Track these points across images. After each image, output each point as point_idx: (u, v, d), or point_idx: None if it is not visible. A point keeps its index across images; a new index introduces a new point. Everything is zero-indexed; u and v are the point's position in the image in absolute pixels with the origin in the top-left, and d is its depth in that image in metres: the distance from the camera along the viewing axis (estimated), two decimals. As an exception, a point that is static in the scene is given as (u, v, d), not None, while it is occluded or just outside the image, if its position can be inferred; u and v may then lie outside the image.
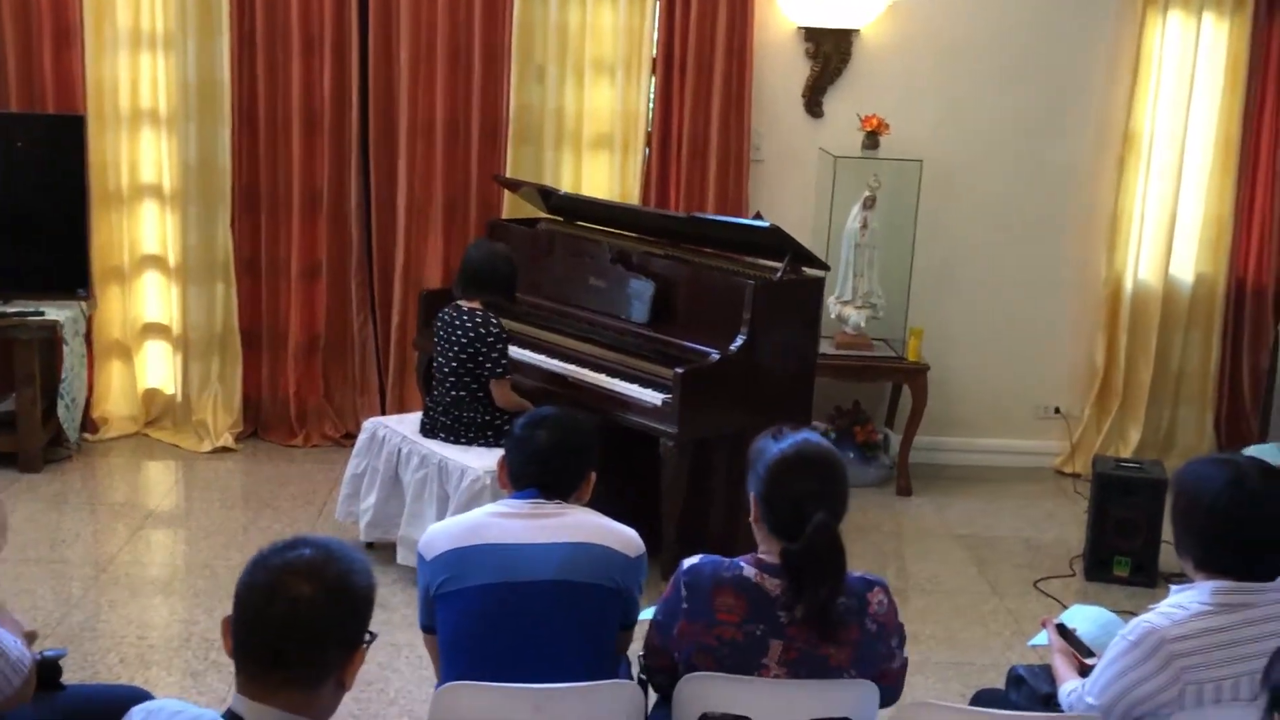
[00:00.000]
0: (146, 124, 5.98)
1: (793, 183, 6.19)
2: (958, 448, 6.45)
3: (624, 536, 2.89)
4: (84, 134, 5.76)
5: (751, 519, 2.65)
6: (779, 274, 4.79)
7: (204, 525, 5.34)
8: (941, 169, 6.05)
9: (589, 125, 6.07)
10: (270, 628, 1.96)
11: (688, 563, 2.65)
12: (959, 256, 6.29)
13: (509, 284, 4.80)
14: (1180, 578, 2.93)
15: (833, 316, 5.97)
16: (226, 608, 2.04)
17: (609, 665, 2.87)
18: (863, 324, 5.97)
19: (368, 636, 2.05)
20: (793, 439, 2.61)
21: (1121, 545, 5.13)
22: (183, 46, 5.85)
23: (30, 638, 2.80)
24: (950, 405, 6.33)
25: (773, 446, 2.61)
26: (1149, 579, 5.08)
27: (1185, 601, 2.57)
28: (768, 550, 2.62)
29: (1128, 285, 6.30)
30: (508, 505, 2.92)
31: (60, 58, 5.82)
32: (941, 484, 6.21)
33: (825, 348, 5.88)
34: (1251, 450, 3.23)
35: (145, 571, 4.92)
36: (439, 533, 2.89)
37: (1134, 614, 2.73)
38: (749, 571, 2.59)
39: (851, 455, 6.08)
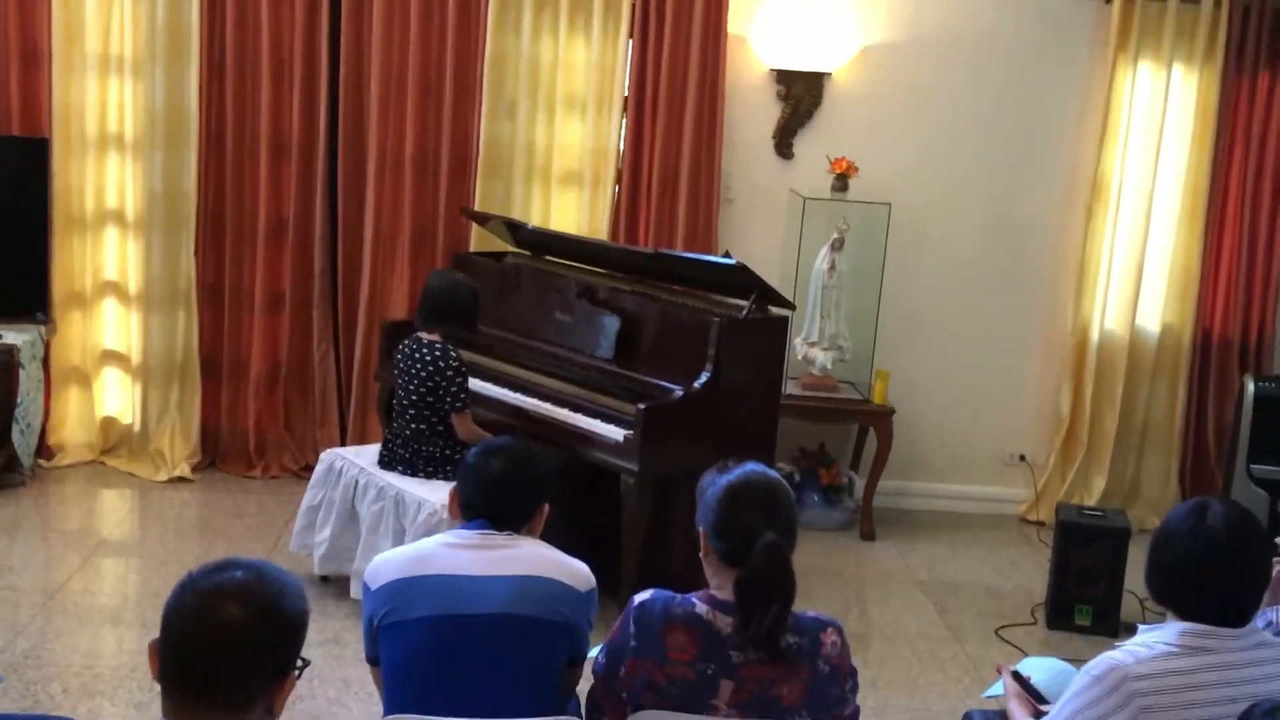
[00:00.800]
0: (112, 149, 5.94)
1: (762, 223, 6.18)
2: (922, 493, 6.43)
3: (574, 570, 2.84)
4: (48, 157, 5.72)
5: (702, 554, 2.62)
6: (744, 312, 4.77)
7: (157, 555, 5.26)
8: (910, 213, 6.06)
9: (559, 160, 6.06)
10: (198, 651, 1.90)
11: (638, 598, 2.61)
12: (926, 301, 6.29)
13: (470, 315, 4.76)
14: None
15: (799, 358, 5.95)
16: None
17: (556, 701, 2.80)
18: (829, 366, 5.95)
19: (300, 663, 1.99)
20: (739, 470, 2.61)
21: (1084, 593, 5.10)
22: (151, 73, 5.81)
23: None
24: (915, 450, 6.30)
25: (719, 479, 2.60)
26: (1111, 628, 5.04)
27: (1151, 640, 2.54)
28: (719, 586, 2.58)
29: (1094, 334, 6.31)
30: (456, 535, 2.86)
31: (27, 80, 5.78)
32: (905, 529, 6.18)
33: (791, 389, 5.87)
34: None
35: (95, 600, 4.83)
36: (385, 562, 2.83)
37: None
38: (701, 608, 2.55)
39: (815, 498, 6.06)
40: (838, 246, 5.85)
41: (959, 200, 6.24)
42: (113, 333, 6.12)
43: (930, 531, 6.20)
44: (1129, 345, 6.30)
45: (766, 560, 2.46)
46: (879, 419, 5.97)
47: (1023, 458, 6.43)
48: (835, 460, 6.19)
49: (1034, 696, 2.94)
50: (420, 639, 2.72)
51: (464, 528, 2.89)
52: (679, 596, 2.58)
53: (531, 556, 2.83)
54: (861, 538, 6.00)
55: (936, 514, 6.39)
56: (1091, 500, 6.23)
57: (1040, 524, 6.31)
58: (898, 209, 5.97)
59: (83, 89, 5.83)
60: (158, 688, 1.76)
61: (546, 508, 2.98)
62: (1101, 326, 6.30)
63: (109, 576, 5.11)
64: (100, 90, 5.87)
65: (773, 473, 2.63)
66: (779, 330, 4.97)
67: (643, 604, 2.57)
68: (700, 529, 2.60)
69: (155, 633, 1.93)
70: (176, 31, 5.79)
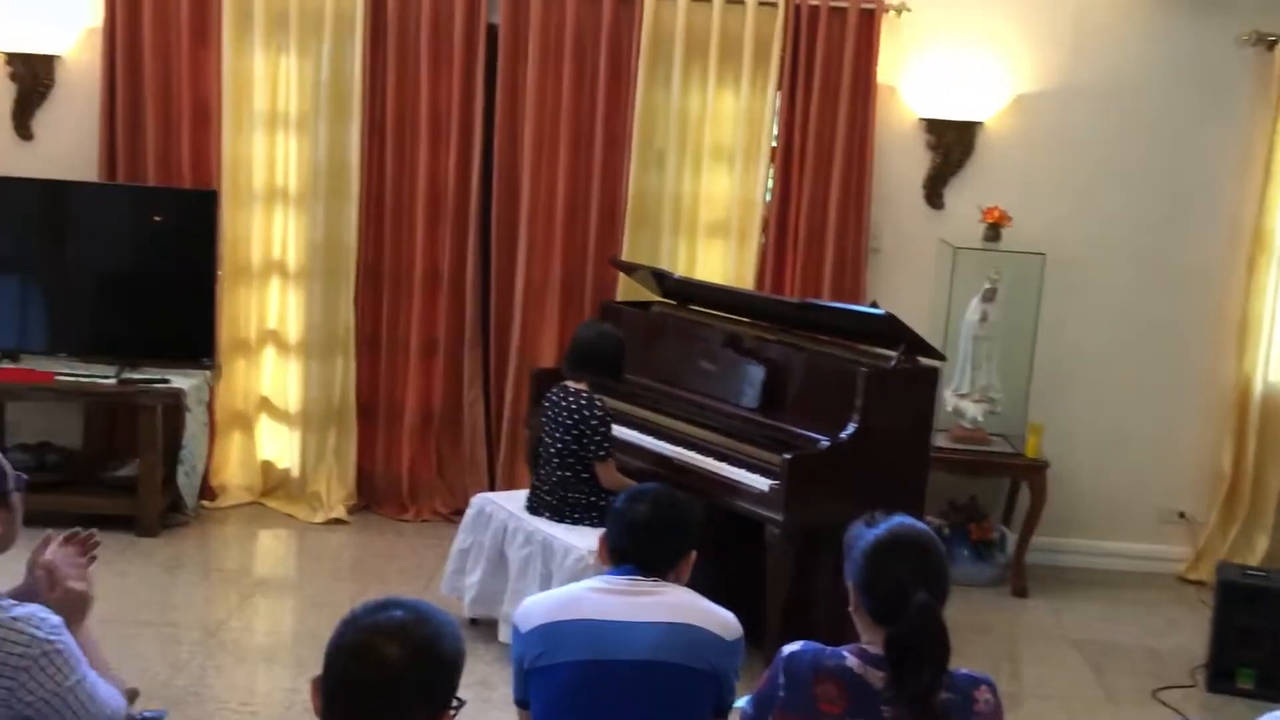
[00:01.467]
0: (277, 202, 6.16)
1: (911, 273, 6.14)
2: (1076, 549, 6.27)
3: (721, 618, 2.84)
4: (216, 209, 5.94)
5: (851, 608, 2.58)
6: (892, 362, 4.73)
7: (313, 595, 5.39)
8: (1065, 263, 5.95)
9: (706, 211, 6.11)
10: (358, 688, 1.95)
11: (788, 649, 2.58)
12: (1081, 353, 6.15)
13: (616, 365, 4.81)
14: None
15: (949, 410, 5.88)
16: None
17: (701, 749, 2.81)
18: (980, 418, 5.86)
19: (455, 702, 2.03)
20: (887, 523, 2.55)
21: (1246, 656, 4.92)
22: (315, 129, 6.02)
23: (131, 695, 2.83)
24: (1070, 505, 6.15)
25: (867, 532, 2.55)
26: (1275, 691, 4.83)
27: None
28: (870, 640, 2.54)
29: (1257, 388, 6.09)
30: (605, 581, 2.89)
31: (197, 135, 6.04)
32: (1059, 586, 6.03)
33: (941, 441, 5.79)
34: None
35: (253, 639, 4.97)
36: (534, 605, 2.87)
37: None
38: (851, 661, 2.51)
39: (966, 553, 5.95)
40: (990, 297, 5.78)
41: (1115, 251, 6.11)
42: (274, 379, 6.32)
43: (1085, 589, 6.04)
44: (1295, 400, 6.09)
45: (919, 623, 2.40)
46: (1032, 473, 5.86)
47: (1182, 515, 6.24)
48: (987, 515, 6.08)
49: None
50: (568, 683, 2.75)
51: (612, 573, 2.92)
52: (829, 649, 2.55)
53: (679, 604, 2.84)
54: (1013, 594, 5.87)
55: (1092, 571, 6.22)
56: (1254, 560, 6.00)
57: (1200, 584, 6.09)
58: (1052, 259, 5.87)
59: (250, 144, 6.06)
60: (314, 726, 1.84)
61: (694, 554, 2.99)
62: (1265, 380, 6.09)
63: (266, 615, 5.26)
64: (267, 145, 6.10)
65: (923, 525, 2.59)
66: (928, 381, 4.91)
67: (792, 655, 2.55)
68: (849, 582, 2.57)
69: (311, 671, 1.99)
70: (340, 90, 6.00)
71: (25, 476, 2.64)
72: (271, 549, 5.99)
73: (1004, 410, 5.92)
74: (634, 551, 2.90)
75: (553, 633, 2.78)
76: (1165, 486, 6.27)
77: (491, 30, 6.01)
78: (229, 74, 5.94)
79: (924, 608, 2.40)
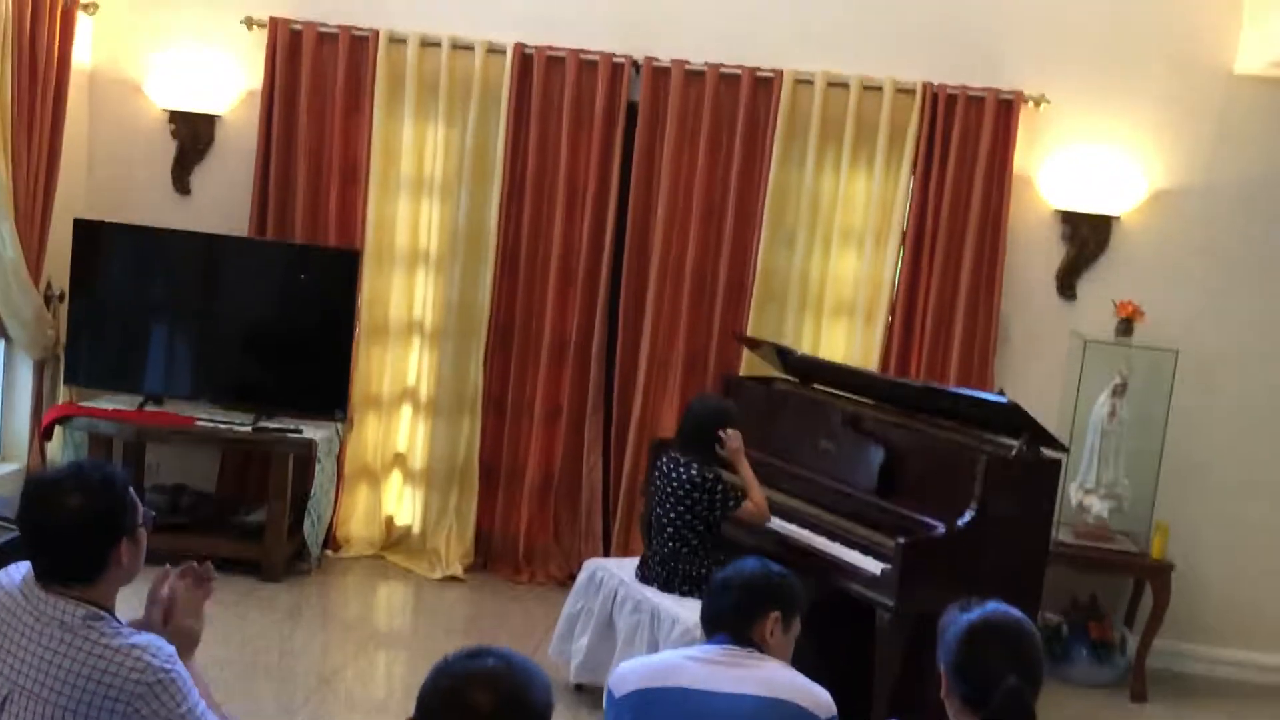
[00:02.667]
0: (418, 263, 6.35)
1: (1040, 364, 6.08)
2: (1200, 656, 6.09)
3: (815, 696, 2.85)
4: (359, 268, 6.15)
5: (943, 694, 2.57)
6: (1014, 451, 4.68)
7: (427, 650, 5.47)
8: (1198, 361, 5.84)
9: (832, 290, 6.14)
10: None
11: (886, 724, 2.58)
12: (1212, 453, 6.01)
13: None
14: None
15: (1073, 504, 5.78)
16: None
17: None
18: (1105, 514, 5.75)
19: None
20: (982, 609, 2.54)
21: (1377, 780, 4.72)
22: (457, 194, 6.21)
23: None
24: (1195, 610, 5.98)
25: (960, 616, 2.55)
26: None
27: None
28: (963, 728, 2.53)
29: (1400, 500, 5.90)
30: (700, 650, 2.92)
31: (345, 197, 6.27)
32: (1181, 694, 5.86)
33: (1064, 535, 5.70)
34: None
35: (365, 689, 5.07)
36: (629, 671, 2.91)
37: None
38: (945, 749, 2.50)
39: (1084, 653, 5.82)
40: (1120, 392, 5.69)
41: (1249, 351, 5.98)
42: (403, 435, 6.47)
43: (1208, 699, 5.85)
44: None
45: (1009, 706, 2.39)
46: (1156, 574, 5.72)
47: (1315, 627, 6.03)
48: (1107, 614, 5.94)
49: None
50: (659, 750, 2.77)
51: (708, 644, 2.94)
52: (923, 732, 2.54)
53: (774, 678, 2.85)
54: (1132, 699, 5.72)
55: (1216, 681, 6.03)
56: (1393, 680, 5.77)
57: (1332, 700, 5.88)
58: (1185, 356, 5.77)
59: (394, 207, 6.27)
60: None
61: (777, 615, 2.98)
62: (1407, 492, 5.89)
63: (380, 667, 5.36)
64: (410, 209, 6.30)
65: (1016, 612, 2.57)
66: (1051, 473, 4.85)
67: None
68: (941, 665, 2.56)
69: None
70: (483, 156, 6.18)
71: (154, 514, 2.77)
72: (390, 602, 6.10)
73: (1130, 508, 5.80)
74: (722, 618, 2.93)
75: (647, 699, 2.81)
76: (1297, 596, 6.07)
77: (631, 107, 6.14)
78: (378, 138, 6.17)
79: (1014, 691, 2.39)
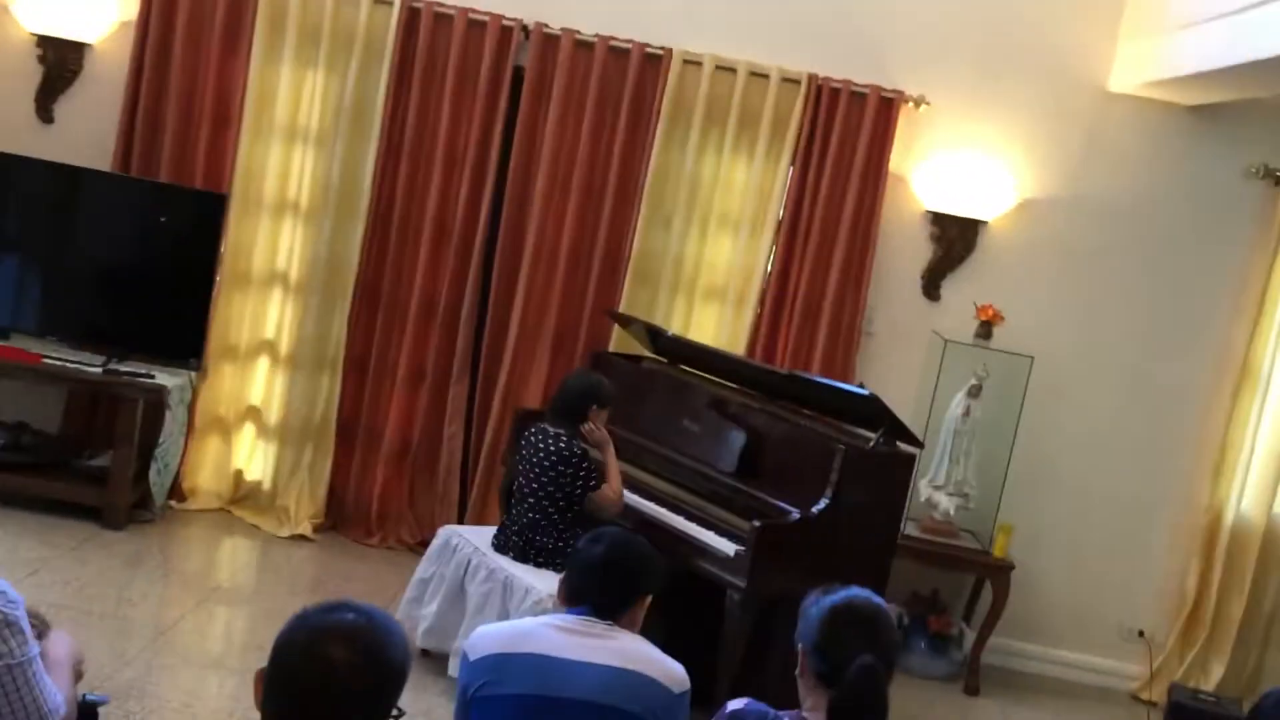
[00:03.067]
0: (286, 213, 6.20)
1: (900, 360, 6.19)
2: (1033, 655, 6.28)
3: (669, 669, 2.86)
4: (224, 213, 5.98)
5: (798, 671, 2.61)
6: (871, 443, 4.77)
7: (268, 607, 5.37)
8: (1052, 368, 6.01)
9: (706, 275, 6.17)
10: (302, 686, 1.96)
11: (731, 706, 2.60)
12: (1058, 459, 6.19)
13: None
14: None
15: (922, 499, 5.91)
16: None
17: (636, 799, 2.81)
18: (952, 511, 5.89)
19: (395, 712, 2.04)
20: (845, 592, 2.60)
21: (1191, 780, 4.93)
22: (332, 145, 6.08)
23: (78, 674, 2.82)
24: (1031, 610, 6.17)
25: (824, 598, 2.60)
26: (1215, 820, 4.85)
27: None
28: (813, 707, 2.57)
29: (1228, 516, 6.14)
30: (559, 619, 2.91)
31: (215, 139, 6.09)
32: (1012, 690, 6.03)
33: (911, 530, 5.81)
34: None
35: (203, 643, 4.96)
36: (485, 635, 2.89)
37: None
38: (792, 729, 2.53)
39: (922, 645, 5.96)
40: (975, 393, 5.83)
41: (1102, 362, 6.17)
42: (259, 388, 6.33)
43: (1037, 696, 6.04)
44: (1264, 532, 6.12)
45: (861, 683, 2.44)
46: (997, 573, 5.87)
47: (1141, 633, 6.25)
48: (947, 608, 6.10)
49: None
50: (510, 715, 2.75)
51: (568, 613, 2.93)
52: (772, 711, 2.57)
53: (629, 650, 2.86)
54: (965, 692, 5.87)
55: (1045, 679, 6.23)
56: (1209, 686, 6.00)
57: (1152, 704, 6.10)
58: (1040, 363, 5.92)
59: (266, 153, 6.11)
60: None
61: (648, 599, 3.00)
62: (1237, 509, 6.13)
63: (219, 621, 5.25)
64: (282, 157, 6.15)
65: (877, 598, 2.62)
66: (904, 467, 4.95)
67: (735, 713, 2.57)
68: (799, 645, 2.60)
69: (247, 681, 1.99)
70: (362, 109, 6.06)
71: None
72: (233, 557, 5.97)
73: (976, 507, 5.95)
74: (588, 593, 2.92)
75: (500, 664, 2.79)
76: (1127, 603, 6.29)
77: (518, 72, 6.08)
78: (254, 82, 6.00)
79: (867, 669, 2.43)
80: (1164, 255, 6.14)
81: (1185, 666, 6.15)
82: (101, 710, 2.88)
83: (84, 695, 2.83)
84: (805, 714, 2.56)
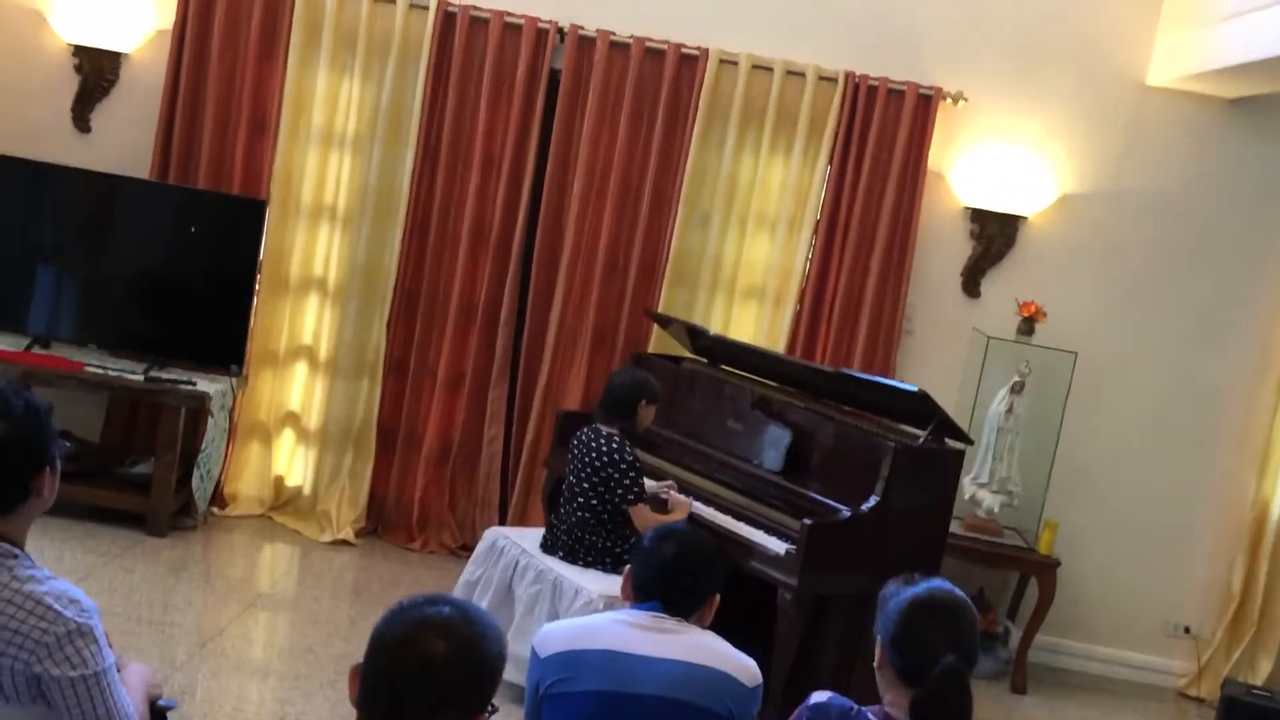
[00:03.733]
0: (324, 218, 6.20)
1: (940, 358, 6.16)
2: (1079, 653, 6.25)
3: (742, 664, 2.84)
4: (263, 219, 5.98)
5: (876, 664, 2.57)
6: (921, 440, 4.74)
7: (312, 612, 5.37)
8: (1094, 365, 5.98)
9: (744, 274, 6.15)
10: (399, 680, 1.94)
11: (815, 698, 2.56)
12: (1103, 456, 6.15)
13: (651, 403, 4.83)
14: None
15: (966, 497, 5.87)
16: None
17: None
18: (996, 509, 5.86)
19: (490, 707, 2.02)
20: (926, 584, 2.54)
21: (1246, 776, 4.89)
22: (369, 151, 6.08)
23: (153, 700, 2.81)
24: (1076, 607, 6.13)
25: (904, 590, 2.54)
26: (1273, 815, 4.80)
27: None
28: (893, 702, 2.52)
29: (1274, 511, 6.08)
30: (629, 614, 2.89)
31: (252, 145, 6.10)
32: (1058, 688, 6.00)
33: (955, 528, 5.75)
34: None
35: (249, 648, 4.95)
36: (555, 631, 2.87)
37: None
38: (876, 722, 2.49)
39: (969, 641, 5.91)
40: (1018, 389, 5.79)
41: (1146, 357, 6.14)
42: (299, 394, 6.33)
43: (1084, 694, 6.00)
44: (1311, 528, 6.08)
45: (946, 685, 2.39)
46: (1043, 570, 5.84)
47: (1188, 630, 6.21)
48: (992, 607, 6.06)
49: None
50: (584, 712, 2.73)
51: (636, 608, 2.91)
52: (854, 706, 2.52)
53: (701, 645, 2.84)
54: (1012, 690, 5.84)
55: (1092, 677, 6.20)
56: (1257, 682, 5.94)
57: (1200, 700, 6.06)
58: (1083, 359, 5.89)
59: (303, 159, 6.12)
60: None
61: (717, 598, 2.99)
62: (1284, 504, 6.09)
63: (265, 627, 5.24)
64: (319, 162, 6.15)
65: (959, 592, 2.58)
66: (954, 464, 4.92)
67: (819, 705, 2.53)
68: (878, 637, 2.56)
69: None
70: (398, 114, 6.06)
71: (69, 444, 2.65)
72: (276, 563, 5.97)
73: (1020, 504, 5.92)
74: (659, 589, 2.90)
75: (572, 660, 2.77)
76: (1173, 599, 6.25)
77: (554, 75, 6.08)
78: (291, 88, 6.01)
79: (952, 670, 2.39)
80: (1206, 250, 6.10)
81: (1232, 663, 6.10)
82: (170, 714, 2.87)
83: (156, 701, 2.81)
84: (887, 709, 2.52)
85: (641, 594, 2.94)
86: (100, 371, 5.75)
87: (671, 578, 2.91)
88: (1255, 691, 5.07)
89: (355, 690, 2.00)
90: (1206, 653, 6.16)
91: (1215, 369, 6.14)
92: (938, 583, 2.55)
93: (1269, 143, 6.02)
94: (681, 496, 4.81)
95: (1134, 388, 6.15)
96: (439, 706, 1.95)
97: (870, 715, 2.50)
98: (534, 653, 2.85)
